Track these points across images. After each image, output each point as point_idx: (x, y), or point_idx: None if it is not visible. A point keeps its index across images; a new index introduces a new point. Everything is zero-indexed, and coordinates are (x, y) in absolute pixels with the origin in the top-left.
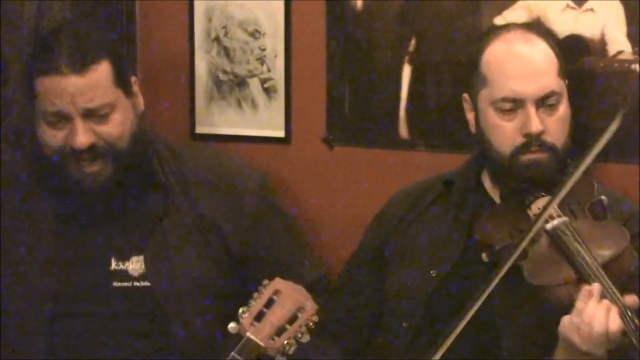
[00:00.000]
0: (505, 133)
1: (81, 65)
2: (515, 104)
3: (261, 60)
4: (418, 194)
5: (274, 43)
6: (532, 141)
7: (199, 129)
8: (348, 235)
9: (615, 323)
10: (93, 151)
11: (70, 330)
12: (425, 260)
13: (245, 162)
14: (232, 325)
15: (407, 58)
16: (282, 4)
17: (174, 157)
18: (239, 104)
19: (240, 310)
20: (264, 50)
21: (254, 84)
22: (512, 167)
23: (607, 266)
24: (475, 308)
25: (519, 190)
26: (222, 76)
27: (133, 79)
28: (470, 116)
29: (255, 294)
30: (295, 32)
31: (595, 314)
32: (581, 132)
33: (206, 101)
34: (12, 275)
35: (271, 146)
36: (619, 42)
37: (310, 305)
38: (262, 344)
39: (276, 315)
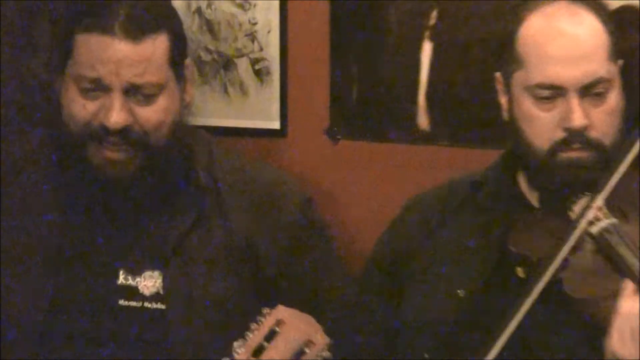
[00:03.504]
0: (542, 125)
1: (139, 32)
2: (554, 92)
3: (251, 36)
4: (440, 198)
5: (267, 16)
6: (574, 137)
7: None
8: (355, 246)
9: None
10: (124, 135)
11: (61, 348)
12: (450, 277)
13: (286, 174)
14: None
15: (427, 34)
16: None
17: (209, 160)
18: (225, 90)
19: (235, 343)
20: (254, 24)
21: (243, 65)
22: (550, 166)
23: None
24: (510, 330)
25: (560, 193)
26: (204, 56)
27: (187, 61)
28: (503, 100)
29: (254, 325)
30: (292, 2)
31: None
32: (634, 124)
33: None
34: (10, 276)
35: (264, 140)
36: None
37: (321, 339)
38: None
39: (279, 350)
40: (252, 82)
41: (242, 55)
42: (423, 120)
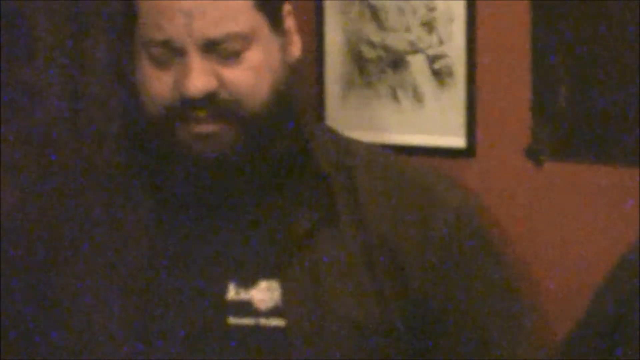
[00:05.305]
0: None
1: None
2: None
3: (429, 26)
4: None
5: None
6: None
7: None
8: (566, 298)
9: None
10: (211, 104)
11: None
12: None
13: (436, 170)
14: None
15: None
16: None
17: (337, 149)
18: (394, 95)
19: None
20: (433, 10)
21: (418, 64)
22: None
23: None
24: None
25: None
26: (366, 51)
27: (286, 7)
28: None
29: None
30: None
31: None
32: None
33: (342, 89)
34: (84, 303)
35: (444, 161)
36: None
37: None
38: None
39: None
40: (429, 85)
41: (416, 51)
42: None
